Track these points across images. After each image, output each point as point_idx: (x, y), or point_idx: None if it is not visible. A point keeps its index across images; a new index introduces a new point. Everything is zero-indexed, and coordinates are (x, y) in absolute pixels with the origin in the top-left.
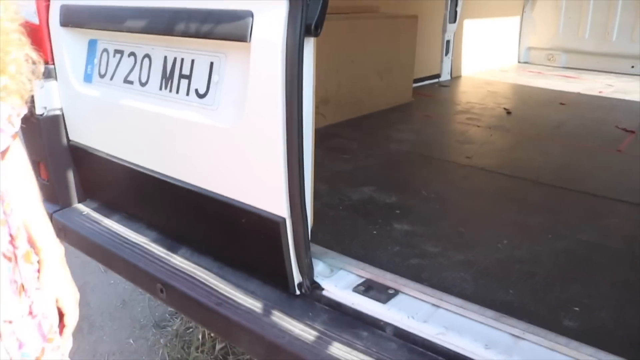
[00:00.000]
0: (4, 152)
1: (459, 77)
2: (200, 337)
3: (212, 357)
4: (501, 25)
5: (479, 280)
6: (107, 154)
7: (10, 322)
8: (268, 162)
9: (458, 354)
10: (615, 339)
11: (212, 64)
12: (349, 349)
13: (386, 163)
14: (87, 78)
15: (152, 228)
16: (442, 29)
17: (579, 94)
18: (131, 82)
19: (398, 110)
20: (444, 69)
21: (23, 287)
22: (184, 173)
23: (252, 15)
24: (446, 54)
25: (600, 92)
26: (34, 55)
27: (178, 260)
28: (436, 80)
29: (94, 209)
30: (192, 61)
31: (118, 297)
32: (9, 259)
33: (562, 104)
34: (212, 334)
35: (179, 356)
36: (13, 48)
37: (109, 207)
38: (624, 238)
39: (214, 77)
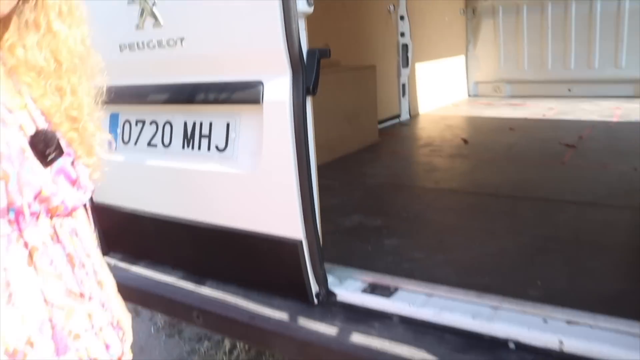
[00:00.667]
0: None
1: (417, 115)
2: None
3: None
4: (449, 64)
5: (460, 272)
6: (131, 209)
7: (100, 328)
8: (284, 197)
9: (452, 326)
10: (570, 299)
11: (228, 124)
12: (366, 336)
13: (366, 194)
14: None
15: (178, 268)
16: (397, 74)
17: (525, 119)
18: (155, 145)
19: (368, 150)
20: (402, 109)
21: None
22: (209, 215)
23: (262, 83)
24: (403, 96)
25: (543, 115)
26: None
27: (207, 291)
28: (397, 120)
29: (120, 259)
30: (210, 123)
31: (135, 345)
32: None
33: (511, 129)
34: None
35: None
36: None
37: (132, 257)
38: (571, 229)
39: (232, 134)
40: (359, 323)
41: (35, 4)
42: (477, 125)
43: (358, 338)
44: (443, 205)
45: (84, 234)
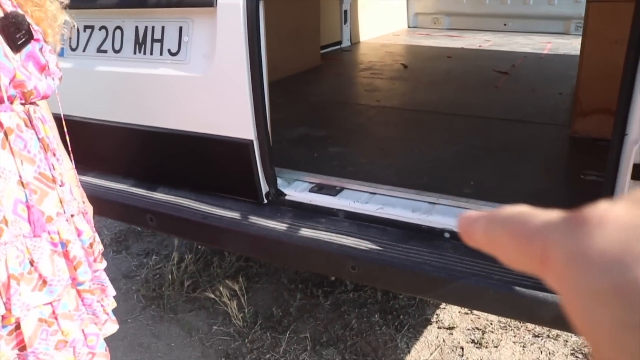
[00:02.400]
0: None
1: (357, 42)
2: (169, 277)
3: (182, 292)
4: None
5: (400, 175)
6: (80, 118)
7: (72, 215)
8: (236, 99)
9: (393, 219)
10: (498, 196)
11: (181, 27)
12: (313, 231)
13: (311, 110)
14: (60, 53)
15: (129, 177)
16: (339, 0)
17: (462, 48)
18: (105, 51)
19: (310, 72)
20: (344, 36)
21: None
22: (161, 120)
23: None
24: (345, 23)
25: (479, 46)
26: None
27: (159, 196)
28: (338, 46)
29: None
30: (163, 27)
31: None
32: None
33: (449, 57)
34: (180, 273)
35: (153, 295)
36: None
37: (82, 167)
38: (501, 141)
39: (184, 38)
40: (307, 219)
41: None
42: (416, 53)
43: (306, 232)
44: (384, 119)
45: (50, 122)
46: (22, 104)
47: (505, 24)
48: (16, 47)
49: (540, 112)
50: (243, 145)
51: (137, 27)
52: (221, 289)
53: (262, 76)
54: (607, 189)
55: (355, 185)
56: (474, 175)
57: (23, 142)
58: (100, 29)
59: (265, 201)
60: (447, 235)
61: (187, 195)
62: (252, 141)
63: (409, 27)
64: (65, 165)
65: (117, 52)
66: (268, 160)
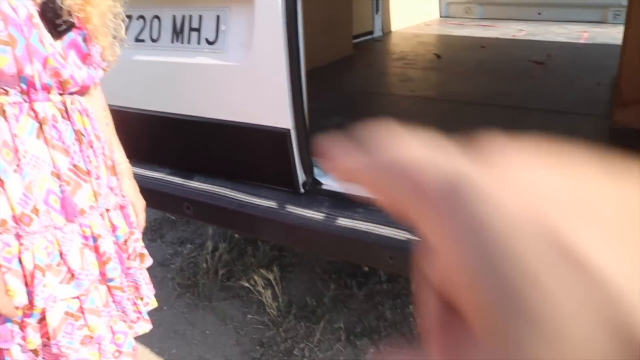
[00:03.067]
0: (97, 85)
1: (389, 32)
2: (204, 265)
3: (217, 280)
4: None
5: None
6: (117, 107)
7: (107, 210)
8: (274, 88)
9: None
10: None
11: (218, 16)
12: (350, 220)
13: (345, 100)
14: None
15: (165, 165)
16: None
17: (496, 38)
18: (142, 40)
19: (343, 62)
20: (375, 25)
21: (112, 189)
22: (198, 108)
23: None
24: (377, 12)
25: (513, 35)
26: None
27: (196, 184)
28: (370, 36)
29: None
30: (200, 16)
31: None
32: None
33: (482, 47)
34: (214, 262)
35: (188, 283)
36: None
37: None
38: (538, 132)
39: (222, 27)
40: (344, 209)
41: None
42: (449, 42)
43: (344, 222)
44: (419, 110)
45: (97, 115)
46: (60, 94)
47: (539, 13)
48: (57, 34)
49: (579, 102)
50: (280, 134)
51: (174, 16)
52: (255, 278)
53: (299, 65)
54: None
55: None
56: None
57: (58, 132)
58: (138, 18)
59: (302, 190)
60: None
61: (223, 184)
62: (289, 130)
63: (441, 16)
64: (118, 158)
65: (154, 41)
66: (305, 150)
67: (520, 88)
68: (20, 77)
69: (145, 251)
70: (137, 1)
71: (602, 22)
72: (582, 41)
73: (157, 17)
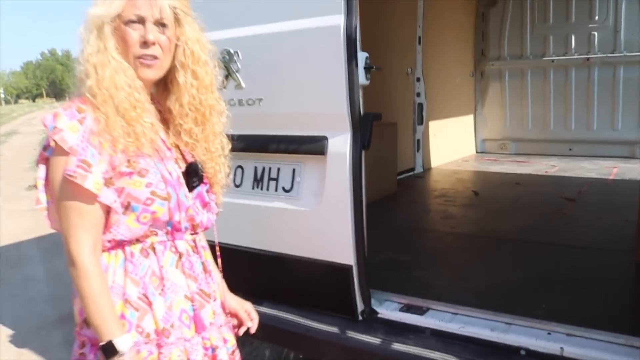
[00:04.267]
0: None
1: (429, 168)
2: None
3: None
4: (459, 122)
5: (478, 297)
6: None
7: (220, 325)
8: (340, 230)
9: (474, 337)
10: (569, 318)
11: (294, 169)
12: (404, 346)
13: (393, 236)
14: None
15: (238, 291)
16: (412, 130)
17: (529, 174)
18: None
19: (388, 199)
20: (417, 163)
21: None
22: (274, 245)
23: (327, 138)
24: (418, 151)
25: (546, 172)
26: None
27: (264, 310)
28: (411, 172)
29: None
30: (278, 169)
31: None
32: None
33: (517, 183)
34: None
35: None
36: None
37: None
38: (569, 267)
39: (297, 178)
40: (398, 335)
41: (181, 69)
42: (486, 179)
43: (398, 347)
44: (459, 246)
45: (208, 249)
46: (191, 234)
47: (570, 149)
48: (190, 188)
49: (607, 239)
50: (344, 270)
51: (255, 167)
52: None
53: (362, 212)
54: None
55: (439, 306)
56: (544, 298)
57: (190, 263)
58: None
59: (360, 318)
60: (522, 352)
61: (289, 310)
62: (351, 266)
63: (477, 152)
64: (217, 279)
65: (237, 186)
66: (365, 283)
67: (552, 224)
68: (169, 222)
69: None
70: None
71: (630, 157)
72: (611, 177)
73: (240, 166)
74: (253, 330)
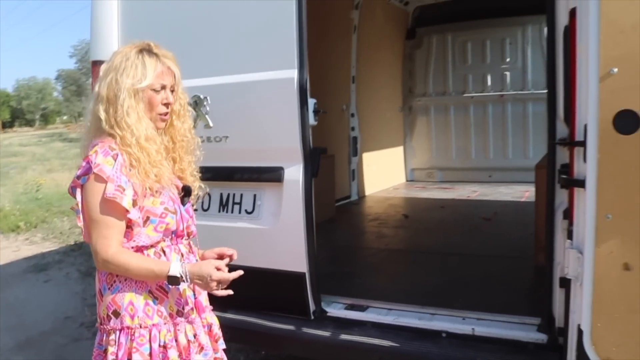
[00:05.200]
0: None
1: (364, 196)
2: None
3: None
4: (390, 153)
5: (408, 296)
6: None
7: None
8: (295, 244)
9: (405, 326)
10: (480, 307)
11: (255, 195)
12: (349, 336)
13: (335, 254)
14: None
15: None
16: (347, 161)
17: (453, 199)
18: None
19: (328, 223)
20: (352, 190)
21: None
22: (238, 259)
23: (283, 168)
24: (353, 180)
25: (468, 196)
26: None
27: (230, 316)
28: (348, 200)
29: None
30: (241, 194)
31: None
32: None
33: (442, 207)
34: None
35: None
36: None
37: None
38: (484, 271)
39: (258, 202)
40: (344, 329)
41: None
42: (415, 204)
43: (345, 337)
44: (392, 259)
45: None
46: (187, 239)
47: (490, 176)
48: (183, 204)
49: (514, 248)
50: (299, 277)
51: (221, 194)
52: None
53: (313, 228)
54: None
55: (377, 304)
56: (461, 293)
57: (189, 261)
58: None
59: (313, 317)
60: (444, 335)
61: (252, 315)
62: (304, 273)
63: (407, 180)
64: None
65: (205, 210)
66: (316, 287)
67: (471, 239)
68: (174, 231)
69: None
70: None
71: None
72: (523, 199)
73: (208, 193)
74: (235, 257)
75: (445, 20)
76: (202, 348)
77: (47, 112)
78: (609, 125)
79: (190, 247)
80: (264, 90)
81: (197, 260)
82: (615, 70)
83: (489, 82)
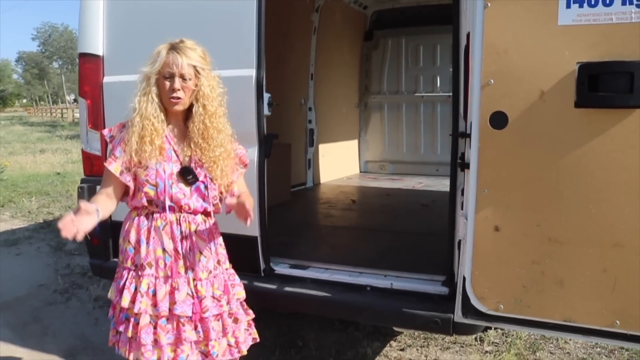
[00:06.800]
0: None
1: (319, 184)
2: None
3: None
4: (345, 146)
5: (343, 259)
6: None
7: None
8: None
9: (338, 282)
10: (399, 267)
11: None
12: (292, 289)
13: (284, 229)
14: None
15: None
16: (304, 151)
17: (399, 188)
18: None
19: (284, 205)
20: (308, 178)
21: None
22: None
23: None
24: (309, 168)
25: (413, 187)
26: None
27: None
28: (303, 186)
29: None
30: None
31: None
32: None
33: (388, 194)
34: None
35: None
36: None
37: None
38: (411, 242)
39: None
40: (288, 283)
41: (195, 104)
42: (364, 192)
43: (288, 289)
44: (335, 233)
45: (201, 233)
46: (178, 211)
47: (437, 170)
48: (188, 184)
49: (442, 229)
50: (252, 240)
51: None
52: None
53: (265, 199)
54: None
55: (316, 264)
56: (386, 258)
57: (171, 230)
58: None
59: (263, 274)
60: (368, 288)
61: None
62: (257, 237)
63: (360, 172)
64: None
65: None
66: (266, 249)
67: (407, 221)
68: (159, 201)
69: None
70: None
71: None
72: None
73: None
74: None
75: (400, 25)
76: (155, 305)
77: (6, 94)
78: (487, 123)
79: (178, 220)
80: (227, 85)
81: (182, 232)
82: (492, 81)
83: (439, 83)
